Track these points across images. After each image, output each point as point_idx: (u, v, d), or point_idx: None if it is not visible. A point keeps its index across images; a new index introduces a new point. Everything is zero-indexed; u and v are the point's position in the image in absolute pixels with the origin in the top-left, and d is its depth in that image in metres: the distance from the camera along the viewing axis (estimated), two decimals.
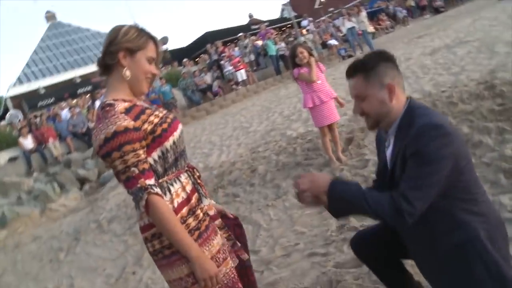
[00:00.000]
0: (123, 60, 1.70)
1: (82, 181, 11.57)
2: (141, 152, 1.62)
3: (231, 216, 2.10)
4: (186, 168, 1.83)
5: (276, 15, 43.48)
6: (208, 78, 18.02)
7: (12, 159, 13.71)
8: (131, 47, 1.70)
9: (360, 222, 3.35)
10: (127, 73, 1.71)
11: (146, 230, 1.71)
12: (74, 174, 11.73)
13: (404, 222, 1.57)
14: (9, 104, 23.45)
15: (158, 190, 1.62)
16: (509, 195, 2.97)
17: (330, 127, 4.96)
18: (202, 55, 22.03)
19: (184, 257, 1.66)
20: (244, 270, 1.99)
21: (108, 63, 1.72)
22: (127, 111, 1.65)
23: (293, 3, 32.80)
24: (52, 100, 22.14)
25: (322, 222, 3.68)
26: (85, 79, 23.50)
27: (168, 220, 1.61)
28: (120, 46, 1.69)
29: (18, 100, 23.36)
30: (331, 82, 10.65)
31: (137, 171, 1.58)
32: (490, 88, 5.00)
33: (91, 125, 13.53)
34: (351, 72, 1.78)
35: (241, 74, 17.86)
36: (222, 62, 18.26)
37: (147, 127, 1.66)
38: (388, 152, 1.81)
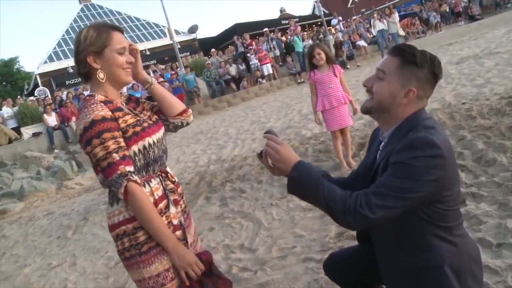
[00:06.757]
0: (94, 64, 1.71)
1: None
2: (121, 140, 1.63)
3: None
4: (159, 173, 1.81)
5: (307, 11, 43.18)
6: (232, 69, 18.05)
7: (36, 134, 14.04)
8: (95, 49, 1.70)
9: None
10: (101, 75, 1.72)
11: (118, 227, 1.70)
12: None
13: (353, 223, 1.48)
14: (38, 80, 24.01)
15: (137, 178, 1.64)
16: None
17: (342, 131, 4.90)
18: (230, 46, 22.08)
19: (158, 253, 1.68)
20: None
21: (83, 72, 1.74)
22: (106, 102, 1.69)
23: (325, 0, 32.44)
24: (79, 79, 22.56)
25: (322, 227, 3.65)
26: None
27: (147, 209, 1.62)
28: (86, 52, 1.69)
29: (47, 78, 23.89)
30: (354, 84, 10.59)
31: (118, 157, 1.59)
32: None
33: None
34: (395, 51, 1.66)
35: (268, 68, 17.85)
36: (248, 55, 18.25)
37: (121, 124, 1.67)
38: (379, 154, 1.72)
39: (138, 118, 1.76)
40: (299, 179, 1.56)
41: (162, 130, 1.87)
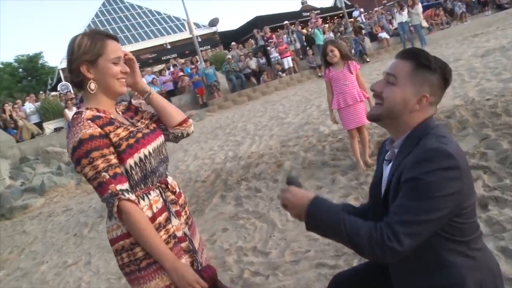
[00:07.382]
0: (87, 74, 1.65)
1: None
2: (111, 157, 1.58)
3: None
4: (158, 185, 1.75)
5: (329, 3, 42.65)
6: (252, 63, 17.93)
7: (57, 129, 14.24)
8: (89, 58, 1.63)
9: None
10: (92, 86, 1.66)
11: (117, 242, 1.66)
12: None
13: (382, 257, 1.36)
14: (61, 75, 24.33)
15: (130, 195, 1.58)
16: None
17: (359, 129, 4.76)
18: (250, 39, 21.94)
19: (158, 269, 1.63)
20: None
21: (76, 81, 1.69)
22: (94, 118, 1.62)
23: None
24: None
25: None
26: (134, 56, 23.99)
27: (141, 227, 1.57)
28: (79, 61, 1.63)
29: None
30: (375, 78, 10.34)
31: (107, 176, 1.54)
32: None
33: (134, 101, 13.84)
34: (407, 55, 1.55)
35: (288, 62, 17.68)
36: (268, 48, 18.09)
37: (112, 138, 1.61)
38: (387, 168, 1.61)
39: (131, 129, 1.68)
40: (315, 214, 1.48)
41: (161, 138, 1.80)
